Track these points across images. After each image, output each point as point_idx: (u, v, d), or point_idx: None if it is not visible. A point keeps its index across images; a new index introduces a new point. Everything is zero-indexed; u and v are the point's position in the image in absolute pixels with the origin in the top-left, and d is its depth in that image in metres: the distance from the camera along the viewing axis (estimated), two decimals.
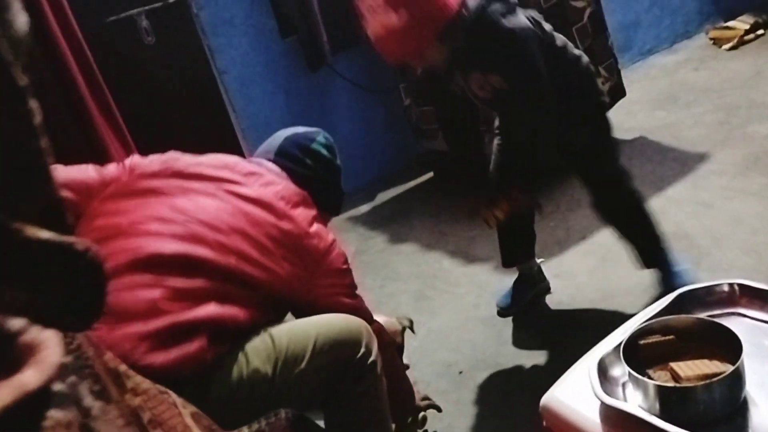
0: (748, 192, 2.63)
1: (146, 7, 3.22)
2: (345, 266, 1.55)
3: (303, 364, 1.34)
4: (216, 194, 1.42)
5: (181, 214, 1.36)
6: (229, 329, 1.29)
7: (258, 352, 1.31)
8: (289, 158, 1.62)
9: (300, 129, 1.72)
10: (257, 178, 1.49)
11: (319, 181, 1.64)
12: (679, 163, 2.94)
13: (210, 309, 1.26)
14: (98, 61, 2.77)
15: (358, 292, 1.60)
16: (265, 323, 1.38)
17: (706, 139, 3.17)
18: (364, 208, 3.73)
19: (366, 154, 3.94)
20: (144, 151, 2.88)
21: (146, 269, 1.26)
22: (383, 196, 3.83)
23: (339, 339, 1.40)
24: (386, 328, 1.71)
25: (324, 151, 1.67)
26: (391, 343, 1.67)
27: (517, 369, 2.08)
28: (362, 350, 1.43)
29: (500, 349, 2.21)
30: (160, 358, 1.18)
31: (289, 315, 1.54)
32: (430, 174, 3.88)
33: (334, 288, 1.52)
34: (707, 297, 1.34)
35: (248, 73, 3.57)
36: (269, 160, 1.62)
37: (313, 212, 1.51)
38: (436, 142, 3.60)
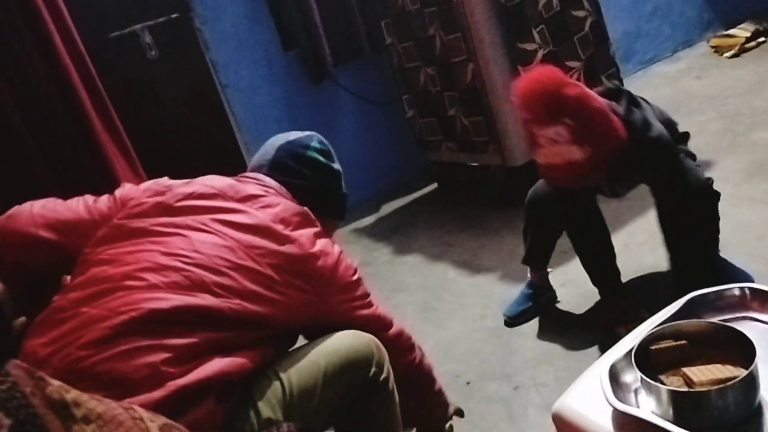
0: (754, 198, 2.62)
1: (149, 22, 3.24)
2: (355, 277, 1.47)
3: (315, 401, 1.30)
4: (212, 228, 1.34)
5: (178, 259, 1.27)
6: (236, 381, 1.22)
7: (268, 400, 1.25)
8: (285, 171, 1.54)
9: (292, 135, 1.62)
10: (254, 201, 1.41)
11: (319, 189, 1.57)
12: None
13: (215, 365, 1.18)
14: (102, 76, 2.79)
15: (372, 299, 1.52)
16: (275, 358, 1.32)
17: (710, 147, 3.16)
18: (369, 220, 3.73)
19: (370, 165, 3.94)
20: (148, 166, 2.91)
21: (145, 330, 1.18)
22: (388, 208, 3.83)
23: (348, 363, 1.35)
24: None
25: (320, 158, 1.59)
26: (413, 346, 1.60)
27: (526, 378, 2.06)
28: (373, 369, 1.38)
29: (508, 359, 2.20)
30: None
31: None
32: (435, 185, 3.88)
33: (347, 303, 1.45)
34: (718, 301, 1.34)
35: (251, 87, 3.58)
36: (264, 173, 1.54)
37: (315, 229, 1.44)
38: (440, 153, 3.60)
